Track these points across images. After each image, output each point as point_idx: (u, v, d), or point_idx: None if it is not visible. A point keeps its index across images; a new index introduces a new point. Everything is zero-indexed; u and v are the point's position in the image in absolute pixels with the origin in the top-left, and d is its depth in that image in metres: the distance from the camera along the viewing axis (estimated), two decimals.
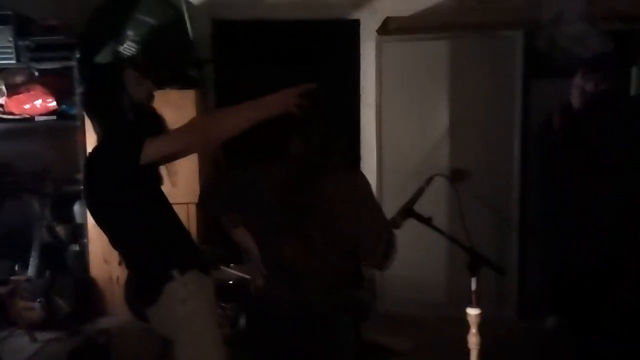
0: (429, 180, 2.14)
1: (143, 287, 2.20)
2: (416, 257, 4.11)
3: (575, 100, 3.71)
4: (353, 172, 2.11)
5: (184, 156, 2.05)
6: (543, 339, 3.84)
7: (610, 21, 4.10)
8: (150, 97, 2.19)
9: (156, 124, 2.13)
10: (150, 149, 1.96)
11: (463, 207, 3.29)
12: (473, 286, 1.93)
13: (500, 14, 4.05)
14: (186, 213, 3.89)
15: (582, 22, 4.12)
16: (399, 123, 4.23)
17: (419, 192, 2.12)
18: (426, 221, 2.09)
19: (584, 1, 4.18)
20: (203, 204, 2.27)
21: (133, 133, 2.03)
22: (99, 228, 2.17)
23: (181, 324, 2.09)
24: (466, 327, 2.00)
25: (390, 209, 4.61)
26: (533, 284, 4.22)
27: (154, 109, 2.19)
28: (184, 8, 4.00)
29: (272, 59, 4.53)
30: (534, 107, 4.08)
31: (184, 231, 2.24)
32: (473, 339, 1.97)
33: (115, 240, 2.19)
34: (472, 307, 1.96)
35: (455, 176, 3.97)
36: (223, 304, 3.35)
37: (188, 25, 4.01)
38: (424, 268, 4.22)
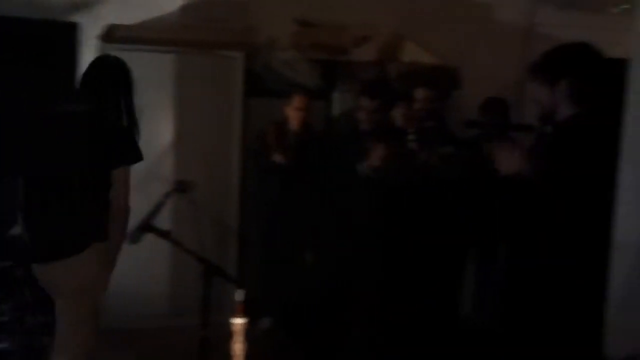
0: (167, 195, 2.19)
1: None
2: (137, 269, 4.07)
3: (292, 120, 4.11)
4: None
5: None
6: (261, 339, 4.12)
7: (316, 50, 4.64)
8: None
9: None
10: None
11: (190, 218, 3.41)
12: (239, 297, 2.03)
13: (223, 34, 4.27)
14: None
15: (292, 50, 4.59)
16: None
17: (158, 207, 2.15)
18: (165, 235, 2.14)
19: (295, 30, 4.66)
20: None
21: None
22: None
23: None
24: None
25: None
26: (248, 288, 4.49)
27: None
28: None
29: None
30: (252, 124, 4.38)
31: None
32: (238, 346, 2.08)
33: None
34: (237, 316, 2.06)
35: (181, 188, 4.06)
36: None
37: None
38: (145, 279, 4.20)
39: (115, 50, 4.04)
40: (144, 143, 4.13)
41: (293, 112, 4.07)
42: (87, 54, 4.20)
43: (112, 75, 2.73)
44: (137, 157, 2.64)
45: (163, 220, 2.91)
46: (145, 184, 4.02)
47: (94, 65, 2.77)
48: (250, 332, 4.09)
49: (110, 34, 4.05)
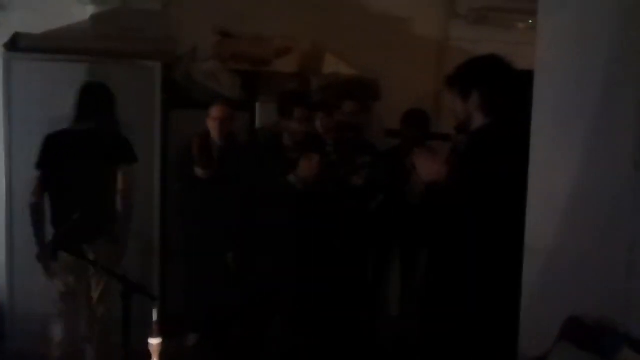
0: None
1: None
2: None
3: (212, 131, 4.03)
4: None
5: None
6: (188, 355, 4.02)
7: (238, 61, 4.60)
8: None
9: None
10: None
11: None
12: (154, 317, 1.95)
13: (140, 44, 4.15)
14: None
15: (213, 60, 4.52)
16: (26, 147, 3.94)
17: (73, 224, 2.06)
18: (80, 254, 2.05)
19: (216, 41, 4.60)
20: None
21: None
22: None
23: None
24: None
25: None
26: (174, 305, 4.37)
27: None
28: None
29: None
30: (173, 136, 4.28)
31: None
32: None
33: None
34: (153, 337, 1.98)
35: None
36: None
37: None
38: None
39: (21, 60, 3.87)
40: None
41: (212, 123, 4.00)
42: None
43: (106, 97, 3.49)
44: (135, 158, 3.52)
45: None
46: None
47: (88, 91, 3.49)
48: (176, 349, 4.01)
49: (16, 43, 3.86)
